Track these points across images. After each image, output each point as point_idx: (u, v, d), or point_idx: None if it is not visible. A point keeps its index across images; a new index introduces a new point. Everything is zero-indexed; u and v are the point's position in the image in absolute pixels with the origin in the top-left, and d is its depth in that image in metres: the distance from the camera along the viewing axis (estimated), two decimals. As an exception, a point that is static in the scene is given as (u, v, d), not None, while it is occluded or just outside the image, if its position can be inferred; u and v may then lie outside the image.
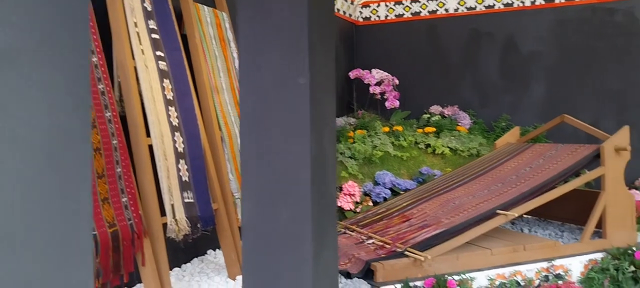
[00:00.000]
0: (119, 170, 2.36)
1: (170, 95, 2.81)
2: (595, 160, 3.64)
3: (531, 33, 5.99)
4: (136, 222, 2.39)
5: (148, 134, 2.62)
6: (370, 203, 4.77)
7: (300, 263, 1.40)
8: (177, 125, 2.81)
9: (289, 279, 1.43)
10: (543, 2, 5.92)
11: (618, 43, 5.63)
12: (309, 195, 1.36)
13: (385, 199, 4.76)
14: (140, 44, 2.61)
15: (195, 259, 3.47)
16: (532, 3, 5.97)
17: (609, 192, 3.49)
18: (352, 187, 4.77)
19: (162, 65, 2.74)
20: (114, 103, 2.44)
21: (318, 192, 1.41)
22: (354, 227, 3.78)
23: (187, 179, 2.81)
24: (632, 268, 3.25)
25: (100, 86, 2.34)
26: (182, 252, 3.34)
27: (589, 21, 5.73)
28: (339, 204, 4.62)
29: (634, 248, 3.37)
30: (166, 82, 2.80)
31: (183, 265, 3.34)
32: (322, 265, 1.44)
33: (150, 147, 2.62)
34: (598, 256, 3.40)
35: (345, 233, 3.75)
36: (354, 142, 5.45)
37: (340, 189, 4.88)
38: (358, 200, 4.75)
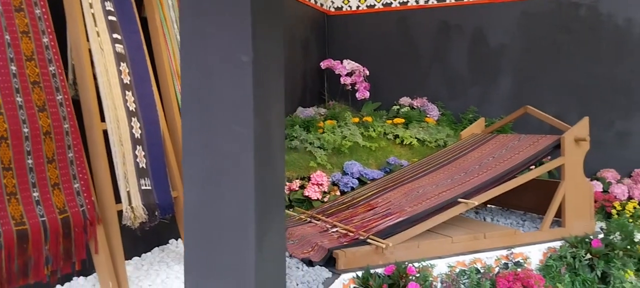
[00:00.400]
0: (70, 155, 2.30)
1: (127, 79, 2.75)
2: (556, 150, 3.69)
3: (499, 26, 6.05)
4: (89, 209, 2.34)
5: (103, 119, 2.56)
6: (338, 193, 4.77)
7: (243, 247, 1.38)
8: (134, 110, 2.75)
9: (232, 263, 1.41)
10: (511, -5, 5.99)
11: (582, 37, 5.72)
12: (252, 177, 1.34)
13: (352, 189, 4.77)
14: (96, 25, 2.54)
15: (156, 248, 3.43)
16: (501, -5, 6.03)
17: (568, 181, 3.55)
18: (320, 177, 4.76)
19: (119, 48, 2.68)
20: (66, 86, 2.37)
21: (262, 174, 1.39)
22: (319, 215, 3.77)
23: (144, 166, 2.75)
24: (589, 256, 3.32)
25: (51, 68, 2.27)
26: (142, 241, 3.29)
27: (554, 15, 5.81)
28: (306, 194, 4.61)
29: (591, 237, 3.43)
30: (123, 65, 2.74)
31: (143, 254, 3.29)
32: (266, 248, 1.42)
33: (105, 133, 2.56)
34: (557, 244, 3.46)
35: (310, 222, 3.74)
36: (324, 132, 5.44)
37: (309, 179, 4.87)
38: (326, 189, 4.74)
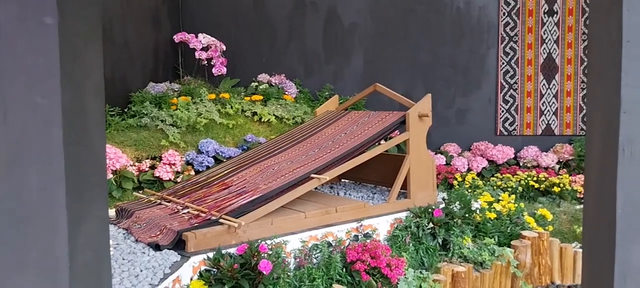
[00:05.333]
0: None
1: None
2: (403, 125, 3.87)
3: (352, 5, 6.21)
4: None
5: None
6: (192, 173, 4.60)
7: (53, 237, 1.21)
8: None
9: (42, 256, 1.23)
10: (362, -25, 6.16)
11: (427, 18, 6.07)
12: (61, 156, 1.17)
13: (208, 168, 4.62)
14: None
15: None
16: (354, -25, 6.18)
17: (412, 155, 3.74)
18: (173, 156, 4.55)
19: None
20: None
21: (76, 152, 1.22)
22: (170, 197, 3.59)
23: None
24: (431, 225, 3.54)
25: None
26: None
27: (403, -4, 6.10)
28: (157, 175, 4.37)
29: (434, 207, 3.66)
30: None
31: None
32: (84, 236, 1.27)
33: None
34: (403, 215, 3.64)
35: (160, 204, 3.55)
36: (177, 109, 5.20)
37: (160, 159, 4.63)
38: (179, 169, 4.55)
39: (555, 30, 5.86)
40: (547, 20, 5.87)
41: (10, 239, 1.17)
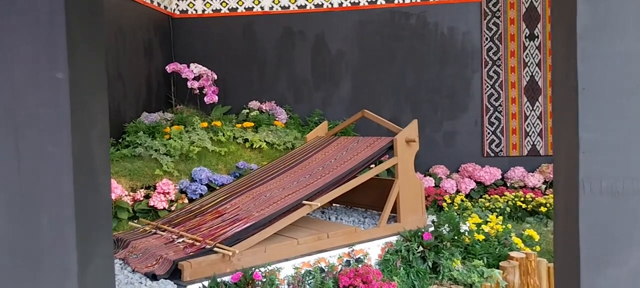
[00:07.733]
0: None
1: None
2: (391, 150, 3.97)
3: (339, 33, 6.37)
4: None
5: None
6: (186, 201, 4.67)
7: (63, 275, 1.30)
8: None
9: (52, 291, 1.30)
10: (349, 5, 6.32)
11: (412, 44, 6.23)
12: (71, 200, 1.26)
13: (201, 196, 4.69)
14: None
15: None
16: (340, 5, 6.34)
17: (401, 179, 3.84)
18: (167, 185, 4.62)
19: None
20: None
21: (84, 196, 1.31)
22: (165, 226, 3.65)
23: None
24: (421, 248, 3.62)
25: None
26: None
27: (388, 23, 6.26)
28: (152, 204, 4.44)
29: (423, 230, 3.75)
30: None
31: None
32: (92, 275, 1.35)
33: None
34: (394, 239, 3.73)
35: (155, 233, 3.61)
36: (170, 138, 5.28)
37: (154, 188, 4.70)
38: (173, 198, 4.62)
39: (536, 54, 6.04)
40: (528, 44, 6.05)
41: (24, 279, 1.25)
